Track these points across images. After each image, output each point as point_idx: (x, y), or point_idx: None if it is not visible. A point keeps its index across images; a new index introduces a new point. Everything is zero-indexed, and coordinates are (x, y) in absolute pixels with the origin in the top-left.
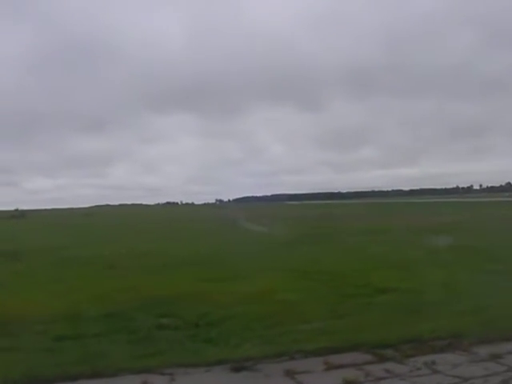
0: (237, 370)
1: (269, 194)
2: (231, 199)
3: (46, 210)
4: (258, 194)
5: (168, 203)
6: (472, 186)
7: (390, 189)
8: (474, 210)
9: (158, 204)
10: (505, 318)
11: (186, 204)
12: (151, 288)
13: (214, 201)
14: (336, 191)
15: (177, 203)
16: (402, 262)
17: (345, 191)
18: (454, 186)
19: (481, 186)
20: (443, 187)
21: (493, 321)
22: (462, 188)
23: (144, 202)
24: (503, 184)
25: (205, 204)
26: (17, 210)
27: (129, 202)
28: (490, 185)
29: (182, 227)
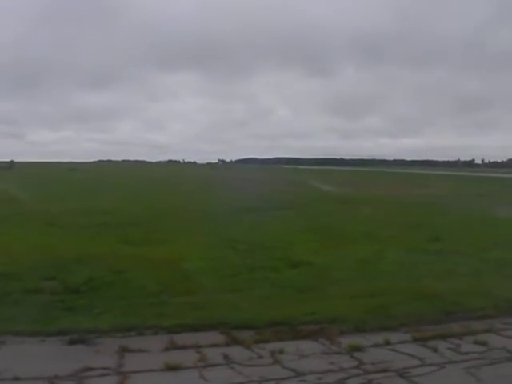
0: (73, 342)
1: (271, 157)
2: (234, 160)
3: (41, 163)
4: (261, 157)
5: (170, 161)
6: (474, 160)
7: (392, 158)
8: (460, 184)
9: (160, 162)
10: (400, 304)
11: (188, 163)
12: (65, 248)
13: (216, 161)
14: (338, 158)
15: (179, 161)
16: (341, 236)
17: (347, 158)
18: (456, 159)
19: (483, 160)
20: (445, 160)
21: (385, 306)
22: (464, 162)
23: (147, 159)
24: (505, 160)
25: (208, 163)
26: (6, 162)
27: (132, 159)
28: (492, 160)
29: (160, 186)
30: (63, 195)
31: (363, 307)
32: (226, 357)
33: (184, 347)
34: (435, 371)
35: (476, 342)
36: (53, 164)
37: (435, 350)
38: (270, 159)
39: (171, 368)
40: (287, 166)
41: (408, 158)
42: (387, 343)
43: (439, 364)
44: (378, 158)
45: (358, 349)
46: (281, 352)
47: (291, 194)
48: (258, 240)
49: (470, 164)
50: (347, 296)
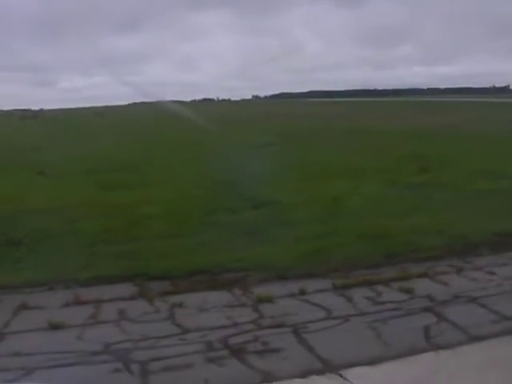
0: None
1: (305, 90)
2: (268, 95)
3: (72, 109)
4: (294, 91)
5: (205, 99)
6: (509, 85)
7: (425, 87)
8: (483, 111)
9: (195, 101)
10: (344, 246)
11: (223, 100)
12: (36, 199)
13: (250, 97)
14: (372, 88)
15: (213, 99)
16: (326, 171)
17: (381, 88)
18: (490, 85)
19: None
20: (480, 86)
21: (325, 249)
22: (500, 87)
23: (181, 99)
24: None
25: (242, 100)
26: (31, 111)
27: (166, 99)
28: None
29: (173, 126)
30: (71, 142)
31: (301, 251)
32: (120, 312)
33: (85, 302)
34: (335, 326)
35: (401, 289)
36: (83, 110)
37: (350, 299)
38: (303, 93)
39: (54, 327)
40: (316, 100)
41: (442, 86)
42: (302, 293)
43: (345, 317)
44: (411, 87)
45: (267, 300)
46: (180, 305)
47: (292, 127)
48: (238, 179)
49: (504, 90)
50: (292, 239)
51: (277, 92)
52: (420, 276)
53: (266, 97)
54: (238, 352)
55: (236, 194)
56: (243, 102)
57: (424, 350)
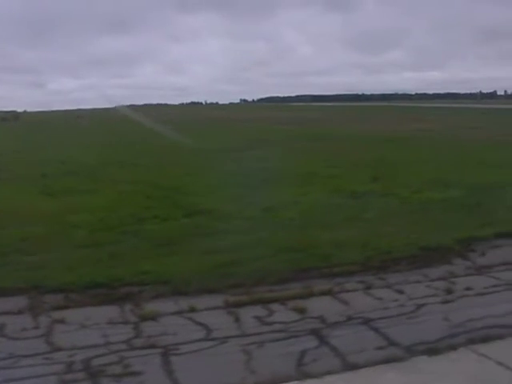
0: None
1: (293, 94)
2: (256, 99)
3: (58, 111)
4: (282, 95)
5: (193, 103)
6: (495, 91)
7: (414, 92)
8: (461, 117)
9: (183, 104)
10: (257, 260)
11: (211, 104)
12: None
13: (238, 101)
14: (360, 93)
15: (201, 103)
16: (277, 178)
17: (368, 93)
18: (477, 91)
19: (505, 91)
20: (467, 92)
21: (236, 263)
22: (487, 93)
23: (169, 102)
24: None
25: (230, 103)
26: (12, 112)
27: (154, 102)
28: None
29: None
30: (37, 145)
31: (211, 264)
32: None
33: None
34: (209, 348)
35: (295, 309)
36: (70, 112)
37: (238, 319)
38: (291, 97)
39: None
40: (301, 104)
41: (430, 92)
42: (192, 310)
43: (223, 338)
44: (400, 92)
45: (151, 317)
46: (62, 321)
47: (260, 132)
48: (182, 185)
49: (491, 96)
50: (208, 251)
51: (265, 96)
52: (323, 293)
53: (253, 100)
54: (95, 375)
55: (174, 201)
56: (231, 106)
57: (288, 379)
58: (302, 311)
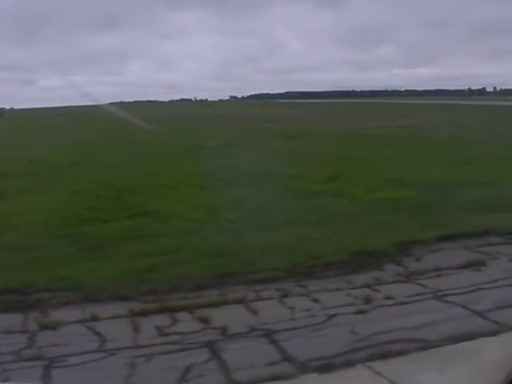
0: None
1: (282, 91)
2: (245, 96)
3: (48, 108)
4: (272, 92)
5: (182, 100)
6: (485, 88)
7: (403, 89)
8: (443, 114)
9: (172, 101)
10: (177, 265)
11: (200, 100)
12: None
13: (228, 98)
14: (350, 89)
15: (191, 100)
16: (232, 178)
17: (358, 90)
18: (467, 87)
19: (494, 88)
20: (456, 89)
21: (155, 268)
22: (476, 90)
23: (159, 99)
24: None
25: (219, 100)
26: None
27: (144, 99)
28: (504, 87)
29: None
30: (11, 143)
31: (131, 269)
32: None
33: None
34: (95, 361)
35: (200, 318)
36: (56, 109)
37: (138, 328)
38: (280, 94)
39: None
40: (289, 101)
41: (420, 88)
42: (94, 319)
43: (113, 350)
44: (390, 88)
45: (51, 326)
46: None
47: (233, 130)
48: (138, 185)
49: (480, 92)
50: (134, 255)
51: (254, 93)
52: (236, 302)
53: (243, 97)
54: None
55: (123, 202)
56: (219, 103)
57: None
58: (206, 321)
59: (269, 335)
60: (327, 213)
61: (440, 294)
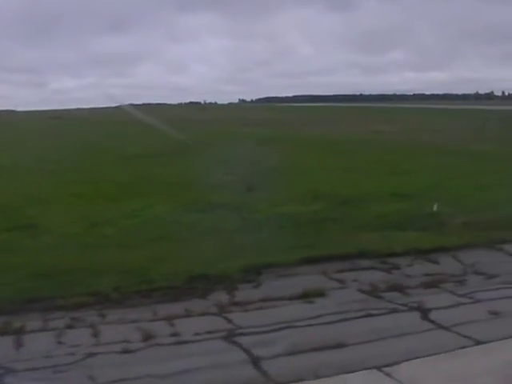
0: None
1: (290, 95)
2: (254, 99)
3: (56, 110)
4: (280, 95)
5: (191, 103)
6: (492, 92)
7: (412, 93)
8: (432, 119)
9: (181, 104)
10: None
11: (210, 104)
12: None
13: (237, 100)
14: (358, 93)
15: (200, 103)
16: (147, 187)
17: (367, 93)
18: (475, 91)
19: (503, 92)
20: (464, 93)
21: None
22: (484, 94)
23: (169, 102)
24: None
25: (229, 103)
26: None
27: (153, 102)
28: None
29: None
30: None
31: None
32: None
33: None
34: None
35: None
36: (60, 112)
37: None
38: (289, 97)
39: None
40: (295, 105)
41: (428, 92)
42: None
43: None
44: (399, 92)
45: None
46: None
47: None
48: (44, 194)
49: (488, 96)
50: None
51: (263, 96)
52: (15, 332)
53: (252, 101)
54: None
55: (12, 213)
56: (230, 106)
57: None
58: None
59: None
60: (207, 229)
61: (236, 332)
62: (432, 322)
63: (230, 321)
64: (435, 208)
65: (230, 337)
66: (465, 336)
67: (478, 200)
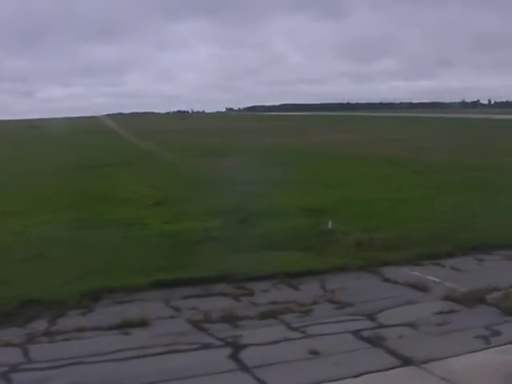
0: None
1: (278, 103)
2: (241, 108)
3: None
4: (267, 104)
5: (179, 111)
6: (479, 100)
7: (398, 101)
8: (398, 129)
9: (169, 113)
10: None
11: (197, 112)
12: None
13: (224, 109)
14: (345, 102)
15: (188, 111)
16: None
17: (354, 102)
18: (461, 100)
19: (489, 101)
20: (450, 101)
21: None
22: (470, 102)
23: (157, 111)
24: (510, 100)
25: (217, 112)
26: None
27: (141, 111)
28: (498, 100)
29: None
30: None
31: None
32: None
33: None
34: None
35: None
36: (44, 121)
37: None
38: (276, 106)
39: None
40: (279, 113)
41: (415, 101)
42: None
43: None
44: (385, 101)
45: None
46: None
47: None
48: None
49: (474, 105)
50: None
51: (251, 105)
52: None
53: (239, 109)
54: None
55: None
56: (216, 115)
57: None
58: None
59: None
60: (82, 248)
61: (20, 367)
62: (238, 361)
63: (26, 354)
64: (330, 225)
65: (9, 373)
66: (259, 380)
67: (389, 216)
